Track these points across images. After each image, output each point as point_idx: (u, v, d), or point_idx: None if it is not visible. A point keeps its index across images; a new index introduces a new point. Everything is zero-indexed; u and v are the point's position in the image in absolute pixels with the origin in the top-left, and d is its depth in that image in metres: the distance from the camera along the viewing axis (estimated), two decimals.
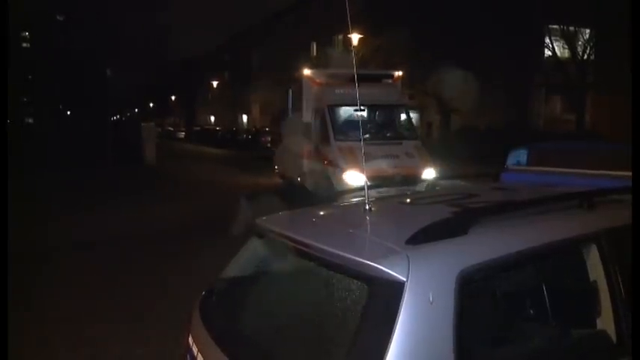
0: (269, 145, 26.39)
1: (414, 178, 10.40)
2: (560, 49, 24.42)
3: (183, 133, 60.40)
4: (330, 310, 2.08)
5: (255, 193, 14.15)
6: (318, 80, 12.92)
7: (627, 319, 2.06)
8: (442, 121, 27.79)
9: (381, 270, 1.75)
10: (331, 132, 11.94)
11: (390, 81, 13.49)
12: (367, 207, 2.43)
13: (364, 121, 12.25)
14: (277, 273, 2.63)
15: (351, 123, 12.06)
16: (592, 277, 2.13)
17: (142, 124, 27.56)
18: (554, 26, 24.46)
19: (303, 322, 2.17)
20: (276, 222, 2.61)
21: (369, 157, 10.34)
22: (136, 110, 66.81)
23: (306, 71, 13.15)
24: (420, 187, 3.55)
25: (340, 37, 36.94)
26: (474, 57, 23.78)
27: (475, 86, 21.35)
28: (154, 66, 37.27)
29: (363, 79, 11.47)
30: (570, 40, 23.63)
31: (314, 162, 12.48)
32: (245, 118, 57.54)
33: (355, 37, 27.30)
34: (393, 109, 12.98)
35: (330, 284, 2.14)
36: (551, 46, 24.57)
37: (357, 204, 2.76)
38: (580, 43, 23.61)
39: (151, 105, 74.06)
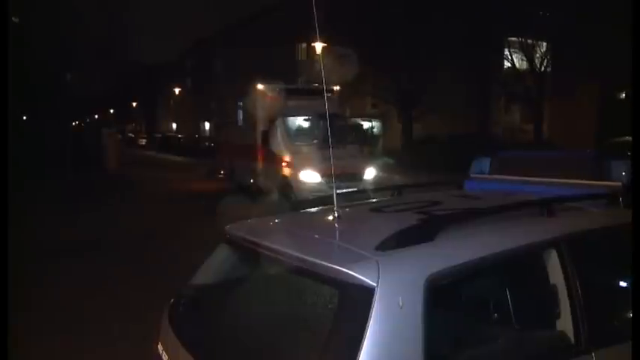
0: None
1: (357, 176, 12.65)
2: (519, 61, 25.11)
3: (145, 141, 59.42)
4: (301, 315, 2.12)
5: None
6: (269, 94, 14.62)
7: (584, 320, 2.16)
8: (404, 129, 28.15)
9: (352, 275, 1.79)
10: (286, 138, 13.60)
11: (330, 94, 14.85)
12: (336, 214, 2.48)
13: (313, 129, 13.86)
14: (247, 279, 2.65)
15: (302, 130, 14.07)
16: (552, 281, 2.22)
17: (104, 131, 27.07)
18: (513, 38, 25.15)
19: (274, 327, 2.20)
20: (246, 228, 2.63)
21: (320, 159, 11.71)
22: (96, 117, 65.50)
23: (259, 86, 14.79)
24: (386, 195, 3.62)
25: (304, 45, 37.13)
26: (435, 67, 24.28)
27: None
28: (114, 71, 36.63)
29: (310, 92, 14.12)
30: (528, 53, 24.33)
31: (269, 165, 13.96)
32: (207, 125, 57.08)
33: (319, 46, 27.55)
34: (336, 119, 14.13)
35: (301, 290, 2.18)
36: (510, 57, 25.24)
37: (325, 211, 2.80)
38: (538, 55, 24.32)
39: (112, 111, 72.73)
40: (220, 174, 18.12)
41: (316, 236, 2.38)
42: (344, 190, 3.30)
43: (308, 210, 3.03)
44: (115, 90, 47.16)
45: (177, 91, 60.44)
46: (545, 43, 24.39)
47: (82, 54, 27.45)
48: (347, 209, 2.71)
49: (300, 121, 14.24)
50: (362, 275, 1.78)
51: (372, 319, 1.72)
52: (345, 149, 13.06)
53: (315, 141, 13.15)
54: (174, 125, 67.01)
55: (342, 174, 11.54)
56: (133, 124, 79.61)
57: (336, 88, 15.45)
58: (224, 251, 2.70)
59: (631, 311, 2.49)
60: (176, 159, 37.09)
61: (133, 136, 65.67)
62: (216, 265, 2.72)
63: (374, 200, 3.25)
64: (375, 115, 32.13)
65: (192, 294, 2.72)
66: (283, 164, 13.32)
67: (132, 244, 9.30)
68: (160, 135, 56.48)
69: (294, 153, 13.10)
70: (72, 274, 7.40)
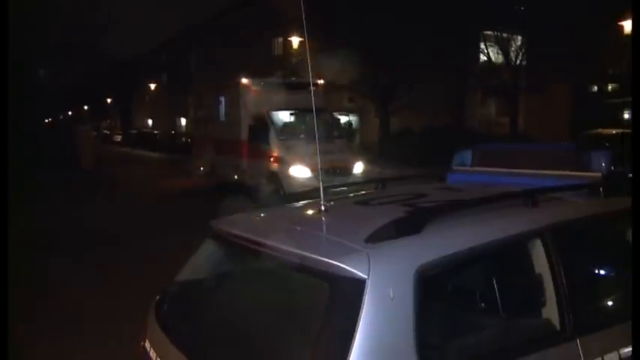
0: None
1: (347, 170, 12.61)
2: (494, 55, 25.38)
3: (120, 137, 58.70)
4: (291, 309, 2.12)
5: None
6: (254, 88, 14.40)
7: (569, 308, 2.20)
8: (381, 123, 28.27)
9: (343, 268, 1.80)
10: (274, 133, 13.38)
11: (315, 88, 14.44)
12: (322, 207, 2.48)
13: (300, 124, 13.77)
14: (234, 274, 2.65)
15: (289, 125, 13.88)
16: (537, 270, 2.26)
17: (79, 128, 26.66)
18: (489, 32, 25.40)
19: (264, 322, 2.20)
20: (232, 223, 2.62)
21: (309, 153, 11.59)
22: (70, 113, 64.50)
23: (244, 80, 14.59)
24: (370, 189, 3.63)
25: (280, 40, 36.98)
26: (412, 61, 24.41)
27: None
28: (88, 66, 36.06)
29: (295, 86, 13.65)
30: (504, 46, 24.59)
31: (256, 160, 13.77)
32: (184, 121, 56.61)
33: (295, 40, 27.50)
34: (323, 113, 14.23)
35: (290, 284, 2.18)
36: (486, 51, 25.48)
37: (311, 205, 2.81)
38: (513, 49, 24.60)
39: (86, 108, 71.65)
40: (199, 170, 17.81)
41: (304, 229, 2.38)
42: (331, 185, 3.30)
43: (294, 204, 3.04)
44: (89, 86, 46.45)
45: (152, 86, 59.76)
46: (520, 37, 24.69)
47: (55, 48, 26.95)
48: (333, 203, 2.72)
49: (288, 116, 14.08)
50: (353, 268, 1.79)
51: (363, 311, 1.73)
52: (333, 144, 13.17)
53: (303, 136, 13.06)
54: (149, 121, 66.25)
55: (332, 168, 11.53)
56: (108, 121, 78.51)
57: (321, 82, 15.36)
58: (210, 246, 2.69)
59: (613, 298, 2.55)
60: (152, 155, 36.77)
61: (108, 132, 64.79)
62: (202, 260, 2.71)
63: (359, 193, 3.26)
64: (353, 109, 32.19)
65: (178, 290, 2.71)
66: (272, 159, 13.18)
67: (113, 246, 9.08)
68: (135, 131, 55.88)
69: (282, 148, 12.94)
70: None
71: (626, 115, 30.46)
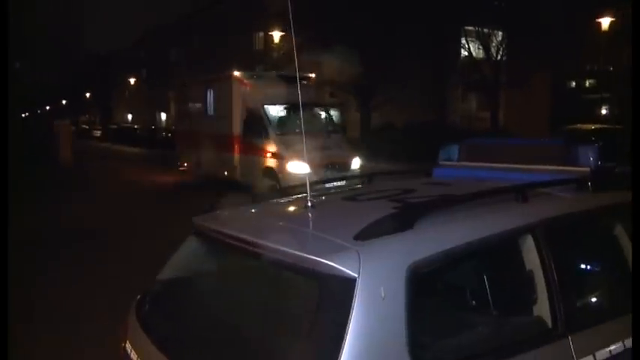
0: None
1: (346, 166, 12.25)
2: (475, 50, 25.50)
3: (100, 132, 57.94)
4: (278, 309, 2.05)
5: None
6: (247, 81, 13.95)
7: (560, 304, 2.16)
8: (362, 118, 28.25)
9: (332, 267, 1.73)
10: (269, 128, 12.92)
11: (306, 82, 14.60)
12: (309, 203, 2.41)
13: (295, 118, 13.06)
14: (218, 272, 2.56)
15: (284, 119, 13.23)
16: (528, 267, 2.22)
17: (56, 122, 26.20)
18: (470, 28, 25.51)
19: (250, 322, 2.12)
20: (216, 220, 2.53)
21: (310, 148, 11.13)
22: (48, 108, 63.52)
23: (236, 73, 14.18)
24: (356, 183, 3.58)
25: (261, 34, 36.78)
26: (393, 57, 24.41)
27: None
28: (67, 61, 35.54)
29: (287, 80, 13.08)
30: (484, 41, 24.73)
31: (249, 156, 13.34)
32: (164, 116, 56.12)
33: (277, 35, 27.36)
34: (317, 107, 14.13)
35: (277, 283, 2.11)
36: (467, 46, 25.60)
37: (298, 200, 2.74)
38: (494, 44, 24.76)
39: (64, 102, 70.64)
40: (183, 166, 17.37)
41: (290, 226, 2.31)
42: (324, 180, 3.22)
43: (280, 199, 2.96)
44: (68, 80, 45.78)
45: (132, 81, 59.10)
46: (500, 33, 24.85)
47: (33, 42, 26.48)
48: (320, 198, 2.65)
49: (282, 110, 13.50)
50: (342, 266, 1.73)
51: (354, 310, 1.67)
52: (330, 139, 12.82)
53: (298, 130, 12.44)
54: (129, 116, 65.60)
55: (331, 164, 11.31)
56: (87, 116, 77.51)
57: (312, 75, 15.02)
58: (192, 244, 2.60)
59: (604, 294, 2.53)
60: (132, 150, 36.37)
61: (88, 127, 63.98)
62: (184, 258, 2.62)
63: (346, 189, 3.20)
64: (334, 104, 32.03)
65: (160, 289, 2.62)
66: (269, 155, 12.73)
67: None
68: (115, 126, 55.29)
69: (279, 143, 12.44)
70: None
71: (604, 111, 31.04)
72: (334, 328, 1.66)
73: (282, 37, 27.27)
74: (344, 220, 2.21)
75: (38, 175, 17.74)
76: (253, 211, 2.75)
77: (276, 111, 13.39)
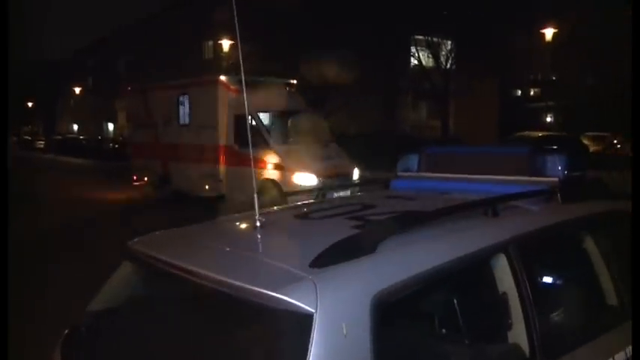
0: None
1: (348, 177, 11.45)
2: (425, 59, 25.78)
3: (43, 143, 55.84)
4: (224, 349, 1.76)
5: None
6: (234, 87, 12.61)
7: (537, 329, 1.97)
8: None
9: (285, 301, 1.48)
10: (268, 137, 11.87)
11: (289, 89, 13.95)
12: (257, 223, 2.14)
13: (292, 126, 12.25)
14: (156, 304, 2.24)
15: (282, 127, 12.29)
16: (501, 289, 2.02)
17: None
18: (420, 37, 25.78)
19: None
20: (152, 244, 2.22)
21: (314, 158, 10.94)
22: None
23: (222, 77, 13.09)
24: (309, 198, 3.32)
25: (210, 43, 36.26)
26: (343, 65, 24.35)
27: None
28: (7, 68, 34.11)
29: (274, 87, 12.57)
30: (434, 50, 25.05)
31: (240, 167, 11.75)
32: (111, 126, 54.65)
33: (226, 43, 26.97)
34: (306, 114, 13.21)
35: (222, 318, 1.82)
36: (417, 55, 25.85)
37: (244, 219, 2.45)
38: (443, 53, 25.09)
39: None
40: (141, 180, 15.58)
41: (235, 251, 2.02)
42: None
43: (225, 218, 2.67)
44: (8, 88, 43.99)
45: (77, 90, 57.34)
46: (450, 42, 25.22)
47: None
48: (268, 217, 2.37)
49: (277, 118, 12.58)
50: (297, 300, 1.47)
51: (311, 351, 1.42)
52: (329, 148, 12.22)
53: (291, 139, 11.88)
54: (75, 126, 63.58)
55: (336, 175, 10.81)
56: (30, 126, 74.66)
57: (294, 82, 14.45)
58: (126, 271, 2.28)
59: (581, 314, 2.35)
60: (78, 162, 35.06)
61: (30, 138, 61.56)
62: (118, 287, 2.29)
63: (296, 204, 2.93)
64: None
65: (90, 323, 2.28)
66: (269, 166, 11.62)
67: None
68: (59, 137, 53.37)
69: (281, 153, 11.51)
70: None
71: (549, 119, 32.01)
72: None
73: (231, 45, 26.88)
74: (298, 243, 1.96)
75: None
76: (193, 232, 2.44)
77: (270, 119, 12.57)
